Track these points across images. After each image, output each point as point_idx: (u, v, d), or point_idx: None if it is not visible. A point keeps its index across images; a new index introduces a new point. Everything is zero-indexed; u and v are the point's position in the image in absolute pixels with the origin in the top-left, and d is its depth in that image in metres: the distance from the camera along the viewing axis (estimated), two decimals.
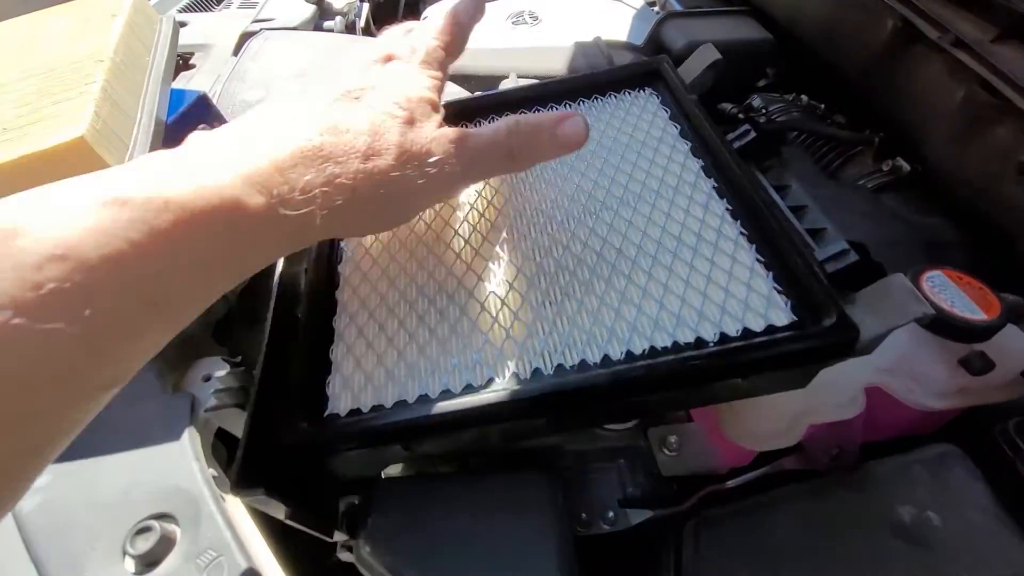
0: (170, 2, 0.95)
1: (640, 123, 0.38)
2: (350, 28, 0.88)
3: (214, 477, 0.33)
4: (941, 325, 0.32)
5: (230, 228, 0.18)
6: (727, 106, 0.70)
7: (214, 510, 0.30)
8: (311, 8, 0.80)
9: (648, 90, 0.41)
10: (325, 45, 0.66)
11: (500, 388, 0.24)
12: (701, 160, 0.35)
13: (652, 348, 0.24)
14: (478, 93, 0.41)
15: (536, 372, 0.24)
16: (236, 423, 0.37)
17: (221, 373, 0.38)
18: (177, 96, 0.45)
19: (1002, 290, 0.42)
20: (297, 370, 0.27)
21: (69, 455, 0.32)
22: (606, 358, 0.24)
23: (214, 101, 0.56)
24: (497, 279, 0.29)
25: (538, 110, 0.41)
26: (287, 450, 0.24)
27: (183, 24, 0.85)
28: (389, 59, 0.28)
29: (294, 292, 0.33)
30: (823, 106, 0.69)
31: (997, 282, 0.45)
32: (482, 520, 0.29)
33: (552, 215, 0.32)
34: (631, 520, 0.38)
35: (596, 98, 0.41)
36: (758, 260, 0.28)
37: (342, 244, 0.35)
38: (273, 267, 0.33)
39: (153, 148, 0.38)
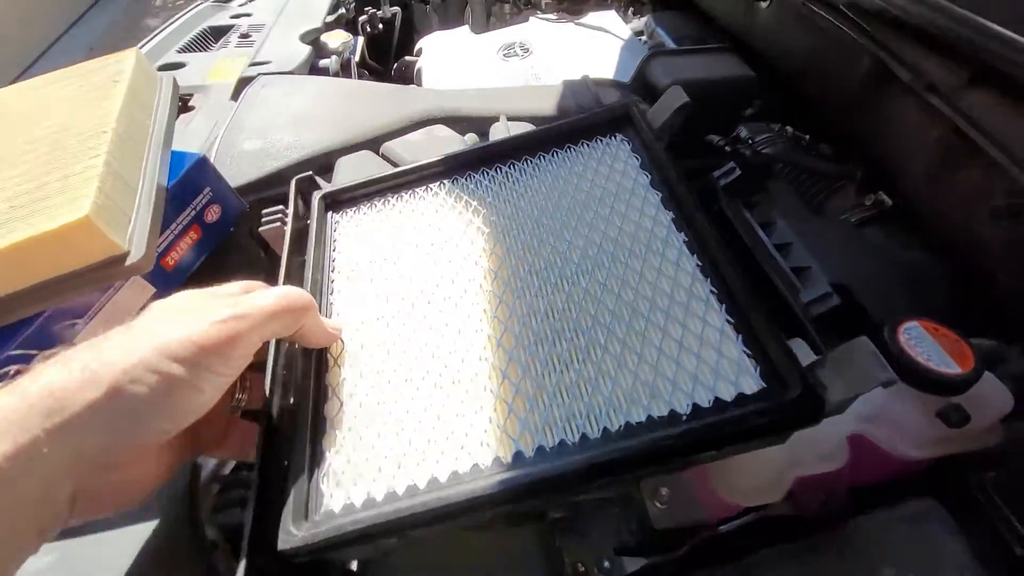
0: (171, 41, 0.97)
1: (612, 174, 0.39)
2: (345, 65, 0.90)
3: None
4: (917, 379, 0.33)
5: None
6: (714, 138, 0.71)
7: None
8: (306, 49, 0.83)
9: (619, 137, 0.42)
10: (319, 90, 0.68)
11: (485, 475, 0.25)
12: (672, 212, 0.36)
13: (628, 424, 0.25)
14: (454, 151, 0.43)
15: (518, 456, 0.25)
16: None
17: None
18: (177, 159, 0.47)
19: (984, 324, 0.43)
20: (289, 468, 0.28)
21: None
22: (584, 438, 0.25)
23: (214, 150, 0.58)
24: (478, 360, 0.30)
25: (513, 164, 0.42)
26: (284, 555, 0.25)
27: (182, 65, 0.87)
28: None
29: (287, 378, 0.33)
30: (808, 137, 0.71)
31: (979, 318, 0.46)
32: None
33: (529, 282, 0.33)
34: (626, 569, 0.39)
35: (568, 147, 0.42)
36: (728, 322, 0.29)
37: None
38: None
39: (155, 216, 0.40)
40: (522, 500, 0.24)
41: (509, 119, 0.62)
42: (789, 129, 0.71)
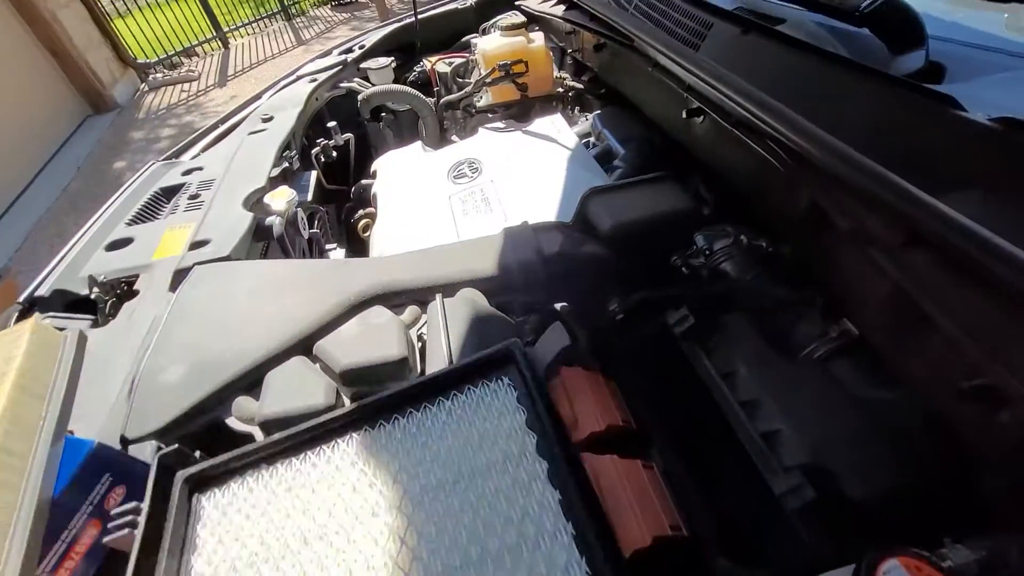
0: (123, 210, 0.97)
1: (498, 439, 0.40)
2: (291, 221, 0.90)
3: None
4: None
5: None
6: (675, 258, 0.69)
7: None
8: (248, 217, 0.82)
9: (506, 380, 0.43)
10: (254, 282, 0.65)
11: None
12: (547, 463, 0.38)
13: None
14: (333, 414, 0.43)
15: None
16: None
17: None
18: (72, 448, 0.42)
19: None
20: None
21: None
22: None
23: (135, 384, 0.54)
24: None
25: (412, 412, 0.43)
26: None
27: (130, 240, 0.87)
28: None
29: None
30: (764, 243, 0.68)
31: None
32: None
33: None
34: None
35: (453, 395, 0.43)
36: None
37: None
38: None
39: (35, 531, 0.36)
40: None
41: (449, 285, 0.60)
42: (744, 239, 0.68)
